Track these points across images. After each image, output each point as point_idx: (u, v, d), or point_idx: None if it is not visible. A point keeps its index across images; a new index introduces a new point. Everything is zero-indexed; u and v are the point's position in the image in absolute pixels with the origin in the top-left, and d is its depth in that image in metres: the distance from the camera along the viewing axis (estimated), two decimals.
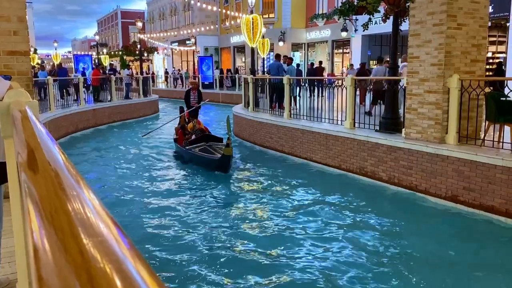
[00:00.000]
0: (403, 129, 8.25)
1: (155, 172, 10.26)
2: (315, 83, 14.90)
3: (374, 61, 27.39)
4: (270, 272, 5.09)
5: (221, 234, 6.23)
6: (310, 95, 14.20)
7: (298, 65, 23.01)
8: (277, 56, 14.88)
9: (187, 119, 12.46)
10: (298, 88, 13.86)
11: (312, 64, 22.72)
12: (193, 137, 11.19)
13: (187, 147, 10.69)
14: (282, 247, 5.74)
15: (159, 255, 5.57)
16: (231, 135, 8.90)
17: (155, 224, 6.72)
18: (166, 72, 44.06)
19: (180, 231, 6.42)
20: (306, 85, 15.16)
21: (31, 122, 1.26)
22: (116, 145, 14.09)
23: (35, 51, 38.18)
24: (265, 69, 23.16)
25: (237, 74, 30.71)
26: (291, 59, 15.95)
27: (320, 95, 13.28)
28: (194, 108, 12.37)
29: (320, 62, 23.27)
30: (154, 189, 8.70)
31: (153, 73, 44.44)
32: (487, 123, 7.54)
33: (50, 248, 0.39)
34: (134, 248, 0.39)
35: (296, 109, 12.56)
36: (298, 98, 13.54)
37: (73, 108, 16.36)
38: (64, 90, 18.48)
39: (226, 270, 5.13)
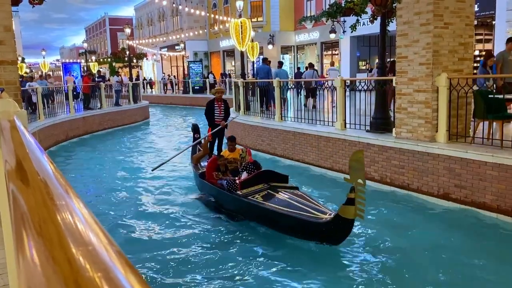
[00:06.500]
0: (394, 129, 8.30)
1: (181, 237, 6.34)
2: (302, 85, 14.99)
3: (363, 62, 27.47)
4: None
5: None
6: (307, 96, 14.30)
7: (298, 68, 23.27)
8: (265, 60, 15.49)
9: (209, 144, 9.14)
10: (296, 91, 13.97)
11: (307, 67, 22.91)
12: (244, 174, 7.05)
13: (241, 192, 6.53)
14: None
15: None
16: (362, 182, 4.88)
17: None
18: (137, 79, 37.85)
19: None
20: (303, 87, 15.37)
21: (20, 132, 1.25)
22: (115, 174, 10.60)
23: (22, 60, 37.90)
24: (254, 72, 23.20)
25: (228, 78, 30.67)
26: (281, 63, 16.58)
27: (310, 96, 13.32)
28: (219, 128, 8.86)
29: (312, 65, 23.38)
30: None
31: (151, 79, 44.03)
32: (476, 120, 7.62)
33: (39, 258, 0.39)
34: (123, 256, 0.39)
35: (286, 111, 12.57)
36: (291, 99, 13.52)
37: (62, 116, 16.21)
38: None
39: None
